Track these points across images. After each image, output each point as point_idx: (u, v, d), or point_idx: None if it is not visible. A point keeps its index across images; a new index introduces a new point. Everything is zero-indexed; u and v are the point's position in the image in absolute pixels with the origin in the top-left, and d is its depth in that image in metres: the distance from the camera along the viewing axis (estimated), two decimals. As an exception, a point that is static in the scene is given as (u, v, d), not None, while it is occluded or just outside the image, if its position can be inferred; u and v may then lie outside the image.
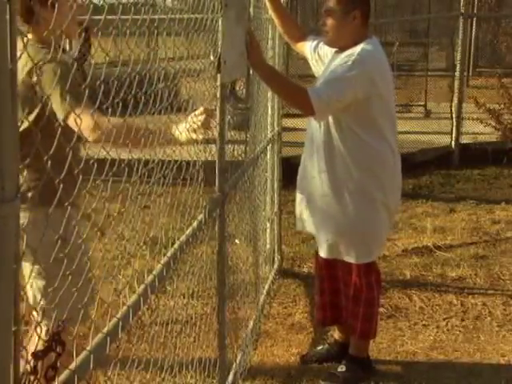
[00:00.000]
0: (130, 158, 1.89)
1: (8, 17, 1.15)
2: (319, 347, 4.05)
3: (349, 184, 3.50)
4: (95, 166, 1.64)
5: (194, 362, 2.88)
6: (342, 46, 3.52)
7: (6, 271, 1.20)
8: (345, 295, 3.76)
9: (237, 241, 4.06)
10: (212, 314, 3.31)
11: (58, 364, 1.42)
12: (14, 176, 1.20)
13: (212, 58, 2.93)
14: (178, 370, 2.58)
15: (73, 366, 1.48)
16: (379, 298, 3.85)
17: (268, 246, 5.06)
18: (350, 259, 3.62)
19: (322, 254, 3.71)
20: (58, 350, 1.43)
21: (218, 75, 2.88)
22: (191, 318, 2.88)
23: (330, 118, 3.48)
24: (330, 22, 3.50)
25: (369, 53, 3.44)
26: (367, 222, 3.55)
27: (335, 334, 4.06)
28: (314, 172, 3.62)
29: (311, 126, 3.66)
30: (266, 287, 4.71)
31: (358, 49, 3.42)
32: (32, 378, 1.34)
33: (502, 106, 9.22)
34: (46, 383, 1.38)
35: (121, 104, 1.81)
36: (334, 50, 3.63)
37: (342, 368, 3.77)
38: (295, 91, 3.50)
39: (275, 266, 5.16)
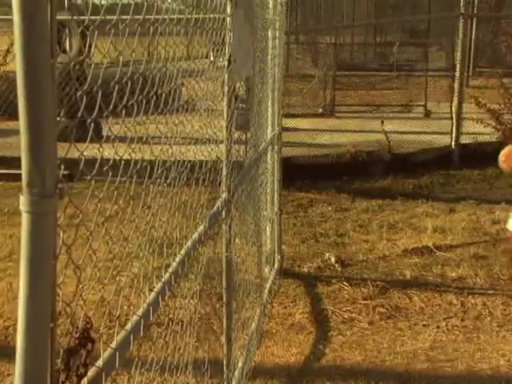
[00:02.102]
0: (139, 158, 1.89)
1: (49, 14, 1.15)
2: None
3: None
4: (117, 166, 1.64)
5: (199, 362, 2.88)
6: None
7: (44, 268, 1.19)
8: None
9: (237, 240, 4.07)
10: (216, 314, 3.32)
11: (88, 361, 1.42)
12: (53, 172, 1.19)
13: (212, 58, 2.93)
14: (183, 369, 2.58)
15: (99, 363, 1.49)
16: None
17: (268, 246, 5.07)
18: None
19: None
20: (88, 347, 1.43)
21: (226, 75, 2.88)
22: (197, 318, 2.88)
23: None
24: None
25: None
26: None
27: None
28: None
29: None
30: (267, 287, 4.72)
31: None
32: (64, 375, 1.34)
33: (503, 106, 9.23)
34: (76, 380, 1.38)
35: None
36: None
37: None
38: None
39: (275, 266, 5.16)
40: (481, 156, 8.77)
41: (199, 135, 2.70)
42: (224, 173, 3.00)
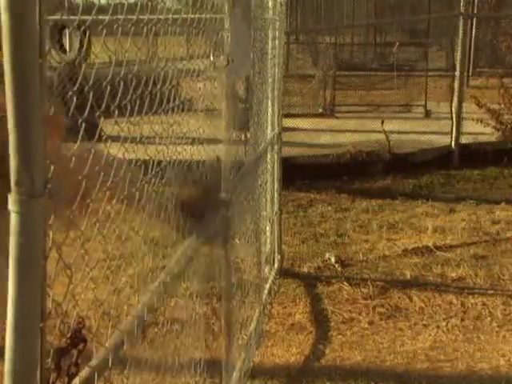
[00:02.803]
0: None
1: (38, 13, 1.14)
2: None
3: None
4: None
5: (197, 362, 2.87)
6: None
7: (34, 268, 1.19)
8: None
9: (237, 241, 4.06)
10: (215, 314, 3.32)
11: (80, 361, 1.42)
12: (42, 172, 1.18)
13: (212, 57, 2.93)
14: (181, 369, 2.58)
15: (92, 363, 1.49)
16: None
17: (268, 246, 5.06)
18: None
19: None
20: (79, 346, 1.43)
21: (224, 74, 2.88)
22: (195, 319, 2.88)
23: None
24: None
25: None
26: None
27: None
28: None
29: None
30: (267, 287, 4.72)
31: None
32: (55, 374, 1.33)
33: (503, 106, 9.23)
34: (67, 380, 1.38)
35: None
36: None
37: None
38: None
39: (275, 266, 5.16)
40: (481, 156, 8.78)
41: (198, 135, 2.70)
42: (223, 172, 3.00)
